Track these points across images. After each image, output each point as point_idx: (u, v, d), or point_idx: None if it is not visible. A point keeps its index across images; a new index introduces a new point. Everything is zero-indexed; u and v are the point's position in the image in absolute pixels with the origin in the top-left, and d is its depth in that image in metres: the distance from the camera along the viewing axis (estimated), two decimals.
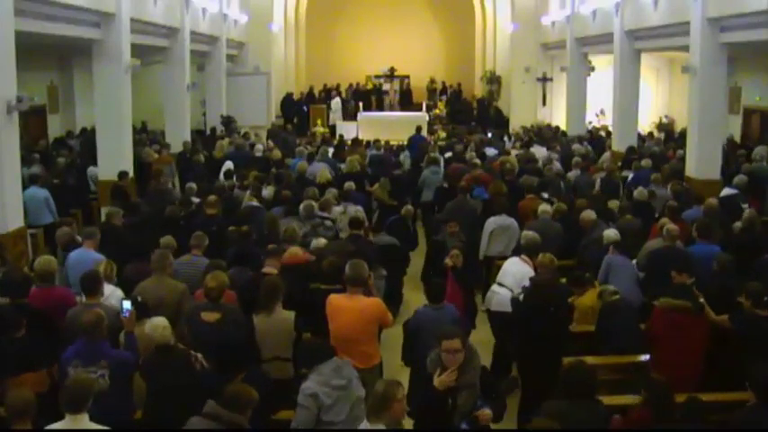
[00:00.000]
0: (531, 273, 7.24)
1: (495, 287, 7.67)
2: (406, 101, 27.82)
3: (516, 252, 8.08)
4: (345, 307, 5.94)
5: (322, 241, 8.20)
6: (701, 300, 6.27)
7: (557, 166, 13.55)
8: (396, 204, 11.63)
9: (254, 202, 10.11)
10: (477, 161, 13.49)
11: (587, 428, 4.65)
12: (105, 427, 4.37)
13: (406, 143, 18.12)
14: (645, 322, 6.62)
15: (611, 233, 8.07)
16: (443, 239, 8.94)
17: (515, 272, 7.43)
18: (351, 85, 28.03)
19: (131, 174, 12.96)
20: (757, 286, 6.20)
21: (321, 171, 12.30)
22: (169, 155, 15.37)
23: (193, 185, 11.40)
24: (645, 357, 6.47)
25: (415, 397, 5.25)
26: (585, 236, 8.84)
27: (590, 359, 6.34)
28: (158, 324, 5.23)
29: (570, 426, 4.56)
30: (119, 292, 6.41)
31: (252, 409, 4.41)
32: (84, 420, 4.29)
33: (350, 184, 11.03)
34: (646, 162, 13.03)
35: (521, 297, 6.85)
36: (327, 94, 27.43)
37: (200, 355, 5.21)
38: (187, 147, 15.54)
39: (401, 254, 9.58)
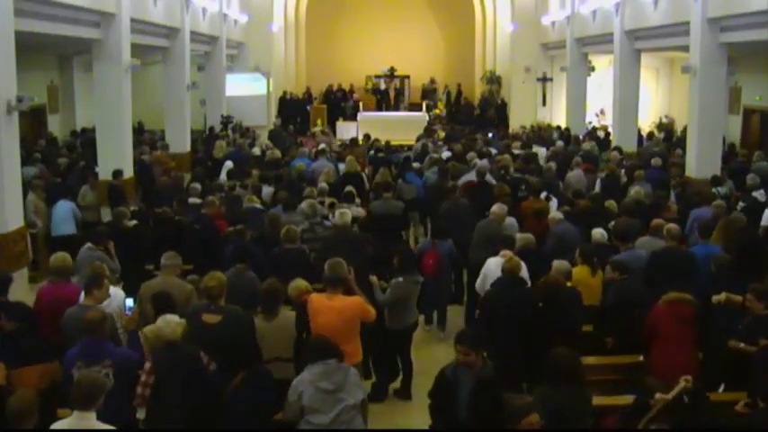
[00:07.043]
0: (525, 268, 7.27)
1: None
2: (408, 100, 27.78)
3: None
4: (325, 307, 5.96)
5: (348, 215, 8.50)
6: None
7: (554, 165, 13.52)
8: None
9: (257, 204, 10.06)
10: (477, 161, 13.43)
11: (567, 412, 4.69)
12: (111, 427, 4.34)
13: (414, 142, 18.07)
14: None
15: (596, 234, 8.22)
16: (455, 375, 5.04)
17: None
18: (352, 85, 28.01)
19: (131, 174, 12.93)
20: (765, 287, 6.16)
21: (326, 171, 12.30)
22: (166, 154, 15.35)
23: (197, 185, 11.36)
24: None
25: None
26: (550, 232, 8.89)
27: (591, 359, 6.35)
28: (171, 320, 5.24)
29: (551, 410, 4.60)
30: (122, 294, 6.40)
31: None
32: (91, 419, 4.27)
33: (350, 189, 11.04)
34: (655, 161, 13.00)
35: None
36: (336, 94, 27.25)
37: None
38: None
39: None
